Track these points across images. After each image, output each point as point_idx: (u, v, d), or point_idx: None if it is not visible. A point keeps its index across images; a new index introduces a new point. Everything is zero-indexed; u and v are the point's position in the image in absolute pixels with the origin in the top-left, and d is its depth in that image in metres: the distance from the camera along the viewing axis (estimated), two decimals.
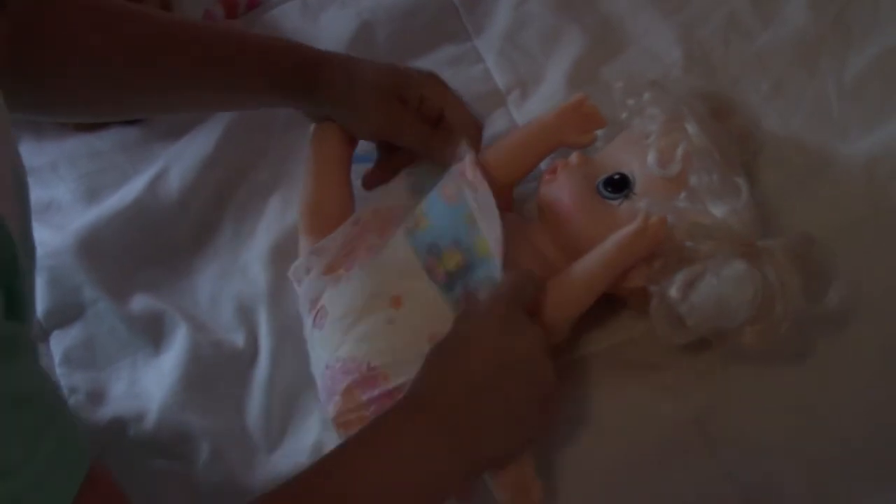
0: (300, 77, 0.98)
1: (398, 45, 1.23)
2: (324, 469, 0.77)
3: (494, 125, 1.14)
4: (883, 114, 1.05)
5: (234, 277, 1.06)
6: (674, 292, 0.86)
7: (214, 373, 0.98)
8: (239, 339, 1.01)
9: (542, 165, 1.02)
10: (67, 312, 1.03)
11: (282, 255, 1.05)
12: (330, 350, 0.91)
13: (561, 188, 0.94)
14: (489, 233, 0.89)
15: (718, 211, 0.89)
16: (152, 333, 1.02)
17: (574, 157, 0.95)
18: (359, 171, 1.04)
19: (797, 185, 1.02)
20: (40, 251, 0.74)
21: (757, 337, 0.86)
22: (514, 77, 1.18)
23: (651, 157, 0.92)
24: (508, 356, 0.81)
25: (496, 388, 0.80)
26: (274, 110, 1.16)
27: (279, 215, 1.09)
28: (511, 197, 1.01)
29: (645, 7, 1.20)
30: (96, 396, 1.00)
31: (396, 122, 0.98)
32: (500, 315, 0.83)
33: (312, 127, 1.03)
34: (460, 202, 0.92)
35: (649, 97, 0.97)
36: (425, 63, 1.21)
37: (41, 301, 1.04)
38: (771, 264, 0.86)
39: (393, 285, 0.91)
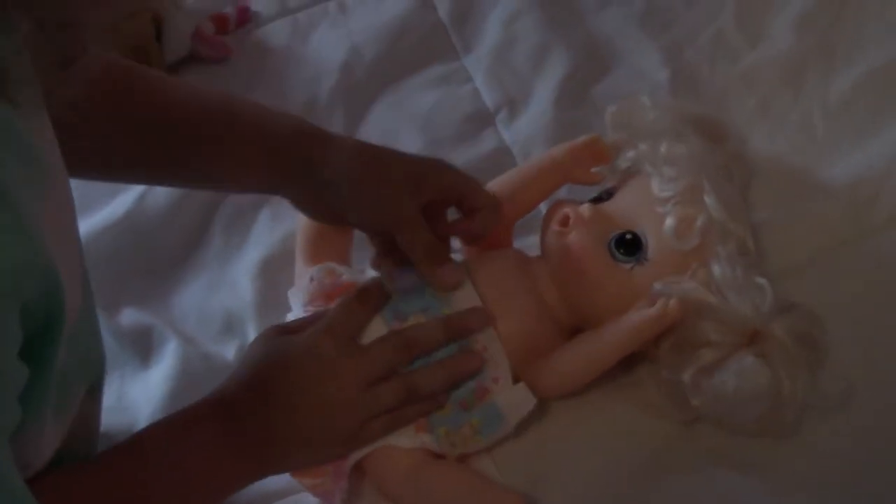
0: (299, 147, 0.90)
1: (387, 63, 1.24)
2: (125, 458, 0.81)
3: (483, 144, 1.15)
4: (867, 134, 1.06)
5: (223, 291, 1.06)
6: (686, 378, 0.86)
7: (203, 386, 0.96)
8: (228, 353, 1.01)
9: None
10: None
11: (270, 269, 1.05)
12: None
13: (573, 246, 0.90)
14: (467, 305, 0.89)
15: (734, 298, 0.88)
16: (141, 347, 1.02)
17: (586, 210, 0.92)
18: None
19: (781, 205, 1.02)
20: None
21: (762, 426, 0.86)
22: (503, 96, 1.19)
23: (668, 227, 0.90)
24: (315, 393, 0.85)
25: (293, 415, 0.84)
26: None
27: (268, 229, 1.10)
28: (511, 232, 0.99)
29: (632, 26, 1.22)
30: None
31: (403, 218, 0.89)
32: (323, 347, 0.86)
33: None
34: None
35: (665, 151, 0.94)
36: (414, 82, 1.22)
37: None
38: (779, 352, 0.85)
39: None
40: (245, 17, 1.31)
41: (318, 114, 1.20)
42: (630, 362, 0.92)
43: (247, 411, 0.83)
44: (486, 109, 1.19)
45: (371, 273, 0.95)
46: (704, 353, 0.86)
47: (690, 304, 0.87)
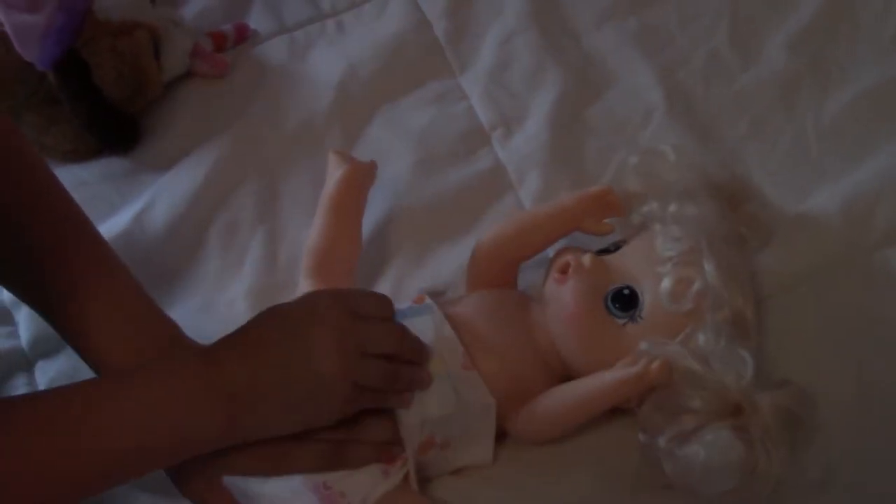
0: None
1: (384, 81, 1.24)
2: (81, 393, 0.76)
3: (478, 163, 1.15)
4: (860, 154, 1.07)
5: (217, 313, 1.06)
6: (662, 443, 0.85)
7: None
8: None
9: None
10: (52, 342, 1.01)
11: (265, 291, 1.06)
12: None
13: (569, 294, 0.90)
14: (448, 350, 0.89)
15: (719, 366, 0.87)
16: None
17: (587, 260, 0.92)
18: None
19: (773, 226, 1.02)
20: None
21: (735, 499, 0.85)
22: (498, 115, 1.19)
23: (664, 289, 0.89)
24: (304, 339, 0.80)
25: (278, 365, 0.79)
26: (264, 144, 1.17)
27: (264, 252, 1.10)
28: (516, 273, 1.00)
29: (627, 47, 1.22)
30: None
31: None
32: (321, 303, 0.82)
33: (342, 171, 1.03)
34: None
35: (675, 210, 0.93)
36: (410, 100, 1.23)
37: (26, 330, 1.05)
38: (760, 428, 0.84)
39: None
40: (243, 35, 1.32)
41: (315, 131, 1.20)
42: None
43: (228, 357, 0.80)
44: (482, 128, 1.19)
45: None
46: (684, 420, 0.85)
47: (675, 368, 0.86)
